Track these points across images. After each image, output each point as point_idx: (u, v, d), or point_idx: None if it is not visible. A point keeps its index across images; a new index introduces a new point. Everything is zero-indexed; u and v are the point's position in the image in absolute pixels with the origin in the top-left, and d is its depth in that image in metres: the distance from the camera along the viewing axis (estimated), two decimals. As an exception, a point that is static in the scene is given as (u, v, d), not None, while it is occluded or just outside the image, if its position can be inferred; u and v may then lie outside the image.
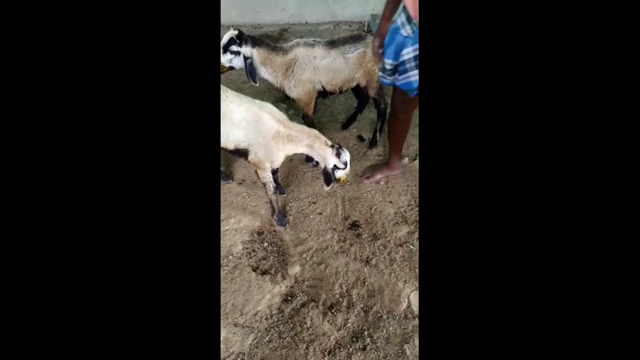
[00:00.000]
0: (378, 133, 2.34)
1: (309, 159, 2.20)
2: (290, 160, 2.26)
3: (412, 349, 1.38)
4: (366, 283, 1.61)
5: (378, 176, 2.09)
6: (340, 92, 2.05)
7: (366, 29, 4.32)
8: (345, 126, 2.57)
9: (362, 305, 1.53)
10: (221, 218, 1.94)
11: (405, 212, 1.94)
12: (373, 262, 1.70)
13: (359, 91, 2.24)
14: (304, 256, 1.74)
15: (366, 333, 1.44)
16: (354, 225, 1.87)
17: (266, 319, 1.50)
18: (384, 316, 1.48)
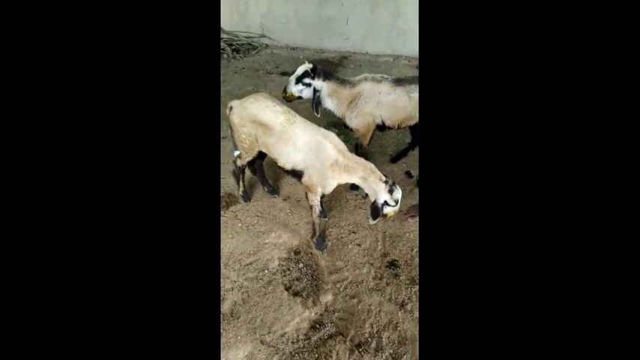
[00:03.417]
0: (428, 173, 2.30)
1: (354, 186, 2.22)
2: (336, 185, 2.30)
3: (441, 413, 1.28)
4: (399, 329, 1.54)
5: None
6: (398, 128, 2.08)
7: (425, 66, 4.34)
8: (395, 160, 2.56)
9: (391, 351, 1.47)
10: (262, 231, 2.00)
11: (448, 260, 1.85)
12: (408, 307, 1.63)
13: (415, 130, 2.24)
14: (338, 285, 1.73)
15: (392, 383, 1.36)
16: (393, 264, 1.83)
17: (292, 342, 1.49)
18: (415, 370, 1.40)
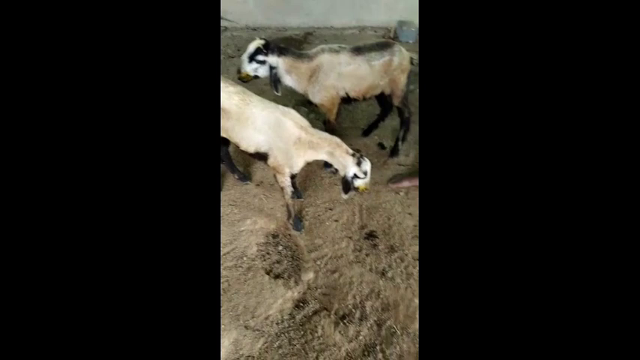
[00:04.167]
0: (400, 142, 2.30)
1: (327, 164, 2.19)
2: (308, 164, 2.24)
3: (425, 369, 1.33)
4: (381, 296, 1.57)
5: (405, 183, 2.06)
6: (364, 99, 2.03)
7: (392, 36, 4.27)
8: (366, 133, 2.54)
9: (375, 318, 1.50)
10: (237, 219, 1.96)
11: (424, 225, 1.88)
12: (389, 274, 1.66)
13: (382, 99, 2.21)
14: (318, 262, 1.73)
15: (378, 348, 1.40)
16: (371, 235, 1.84)
17: (277, 323, 1.49)
18: (398, 332, 1.44)
